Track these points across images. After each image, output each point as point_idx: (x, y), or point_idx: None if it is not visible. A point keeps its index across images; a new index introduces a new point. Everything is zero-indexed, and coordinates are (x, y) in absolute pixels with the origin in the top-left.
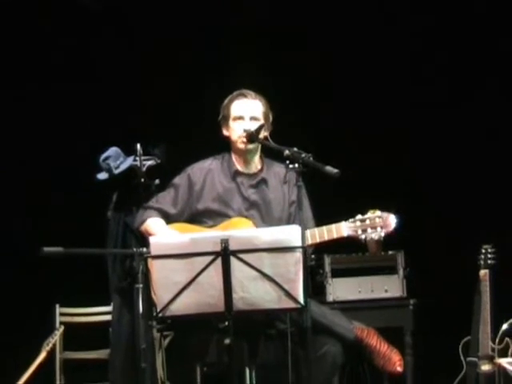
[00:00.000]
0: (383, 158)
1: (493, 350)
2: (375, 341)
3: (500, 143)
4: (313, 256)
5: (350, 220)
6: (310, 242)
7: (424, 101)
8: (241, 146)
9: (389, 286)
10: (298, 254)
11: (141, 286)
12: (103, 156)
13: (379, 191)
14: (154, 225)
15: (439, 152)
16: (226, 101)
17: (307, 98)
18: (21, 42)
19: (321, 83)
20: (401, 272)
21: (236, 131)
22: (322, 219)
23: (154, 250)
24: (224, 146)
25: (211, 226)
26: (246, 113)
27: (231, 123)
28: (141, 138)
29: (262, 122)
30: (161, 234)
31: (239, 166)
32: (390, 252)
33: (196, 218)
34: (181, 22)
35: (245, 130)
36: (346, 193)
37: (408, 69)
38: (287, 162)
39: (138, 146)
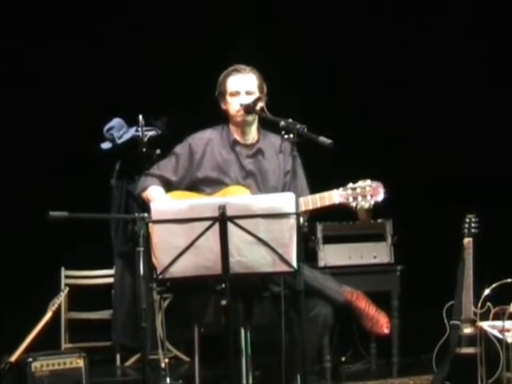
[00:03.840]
0: (375, 130)
1: (475, 313)
2: (364, 304)
3: (484, 116)
4: (306, 224)
5: (342, 188)
6: (303, 208)
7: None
8: (239, 118)
9: (377, 253)
10: (292, 221)
11: (142, 249)
12: (107, 126)
13: (370, 160)
14: (154, 192)
15: (428, 121)
16: (221, 77)
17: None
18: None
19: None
20: (389, 239)
21: (233, 106)
22: (315, 188)
23: (154, 215)
24: (223, 116)
25: (209, 194)
26: (242, 88)
27: (228, 98)
28: (143, 109)
29: (257, 94)
30: (160, 200)
31: (237, 137)
32: (379, 220)
33: (195, 185)
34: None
35: (241, 105)
36: (339, 162)
37: (401, 46)
38: (283, 132)
39: (140, 117)
